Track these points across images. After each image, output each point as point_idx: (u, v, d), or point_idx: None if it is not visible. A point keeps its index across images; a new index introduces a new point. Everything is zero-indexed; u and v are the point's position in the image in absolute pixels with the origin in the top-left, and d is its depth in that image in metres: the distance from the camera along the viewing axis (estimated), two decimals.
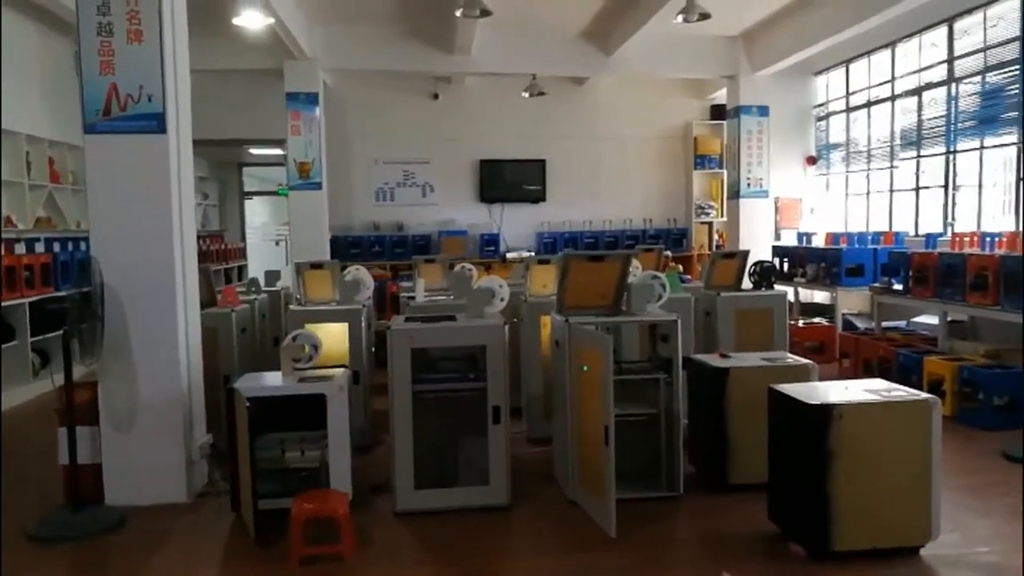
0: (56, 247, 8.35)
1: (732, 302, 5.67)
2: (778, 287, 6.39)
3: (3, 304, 6.90)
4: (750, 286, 6.12)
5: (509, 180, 12.37)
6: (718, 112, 12.50)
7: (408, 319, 4.37)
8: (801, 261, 9.16)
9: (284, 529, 3.58)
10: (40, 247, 8.20)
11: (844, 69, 10.52)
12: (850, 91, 10.48)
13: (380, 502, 4.28)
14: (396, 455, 4.06)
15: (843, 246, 8.78)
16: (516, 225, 12.43)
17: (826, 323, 8.61)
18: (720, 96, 12.20)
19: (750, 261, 6.17)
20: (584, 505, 4.06)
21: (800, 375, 4.23)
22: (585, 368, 4.04)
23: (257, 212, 16.31)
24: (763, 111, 10.79)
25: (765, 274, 5.85)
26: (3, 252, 7.32)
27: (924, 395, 3.54)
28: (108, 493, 4.32)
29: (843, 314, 8.54)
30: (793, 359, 4.47)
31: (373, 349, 5.75)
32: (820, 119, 11.33)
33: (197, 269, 4.73)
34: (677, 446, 4.23)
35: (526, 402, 5.51)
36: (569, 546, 3.71)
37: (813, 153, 11.45)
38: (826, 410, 3.38)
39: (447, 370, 4.25)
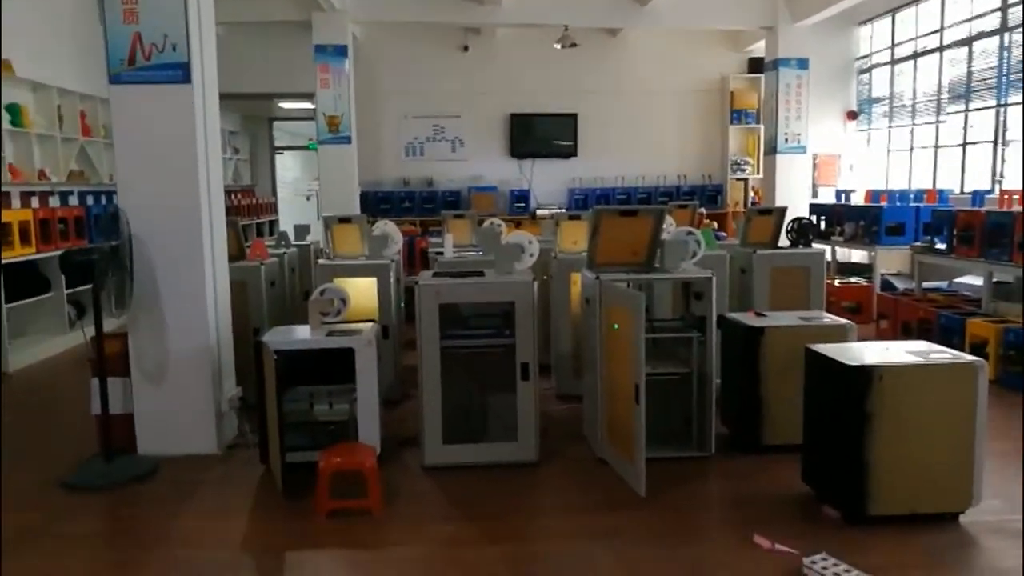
0: (89, 200, 8.41)
1: (768, 260, 5.51)
2: (815, 245, 6.21)
3: (39, 256, 6.99)
4: (787, 244, 5.95)
5: (540, 135, 12.18)
6: (755, 65, 12.14)
7: (436, 274, 4.30)
8: (839, 219, 8.93)
9: (312, 482, 3.58)
10: (74, 200, 8.26)
11: (890, 18, 10.11)
12: (895, 42, 10.06)
13: (408, 456, 4.28)
14: (424, 409, 4.04)
15: (884, 204, 8.52)
16: (547, 181, 12.27)
17: (864, 283, 8.40)
18: (758, 48, 11.84)
19: (787, 218, 5.99)
20: (613, 464, 4.01)
21: (838, 335, 4.10)
22: (615, 326, 3.96)
23: (288, 167, 16.30)
24: (803, 64, 10.44)
25: (803, 231, 5.67)
26: (36, 205, 7.38)
27: (969, 357, 3.41)
28: (140, 443, 4.37)
29: (882, 274, 8.32)
30: (830, 319, 4.34)
31: (403, 304, 5.71)
32: (862, 72, 10.96)
33: (225, 222, 4.70)
34: (709, 406, 4.15)
35: (555, 359, 5.45)
36: (598, 505, 3.67)
37: (854, 107, 11.10)
38: (866, 372, 3.26)
39: (476, 326, 4.19)
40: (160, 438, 4.36)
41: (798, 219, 5.78)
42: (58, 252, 7.04)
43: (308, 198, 16.06)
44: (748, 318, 4.36)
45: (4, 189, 7.29)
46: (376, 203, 11.56)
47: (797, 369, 3.80)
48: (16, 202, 7.39)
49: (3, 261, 6.51)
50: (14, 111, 7.55)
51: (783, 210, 5.79)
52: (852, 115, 11.05)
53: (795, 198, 10.24)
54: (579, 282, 5.22)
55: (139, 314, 4.30)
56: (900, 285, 8.30)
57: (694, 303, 4.36)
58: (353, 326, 4.21)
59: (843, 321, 4.24)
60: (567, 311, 5.29)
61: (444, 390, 4.04)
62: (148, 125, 4.23)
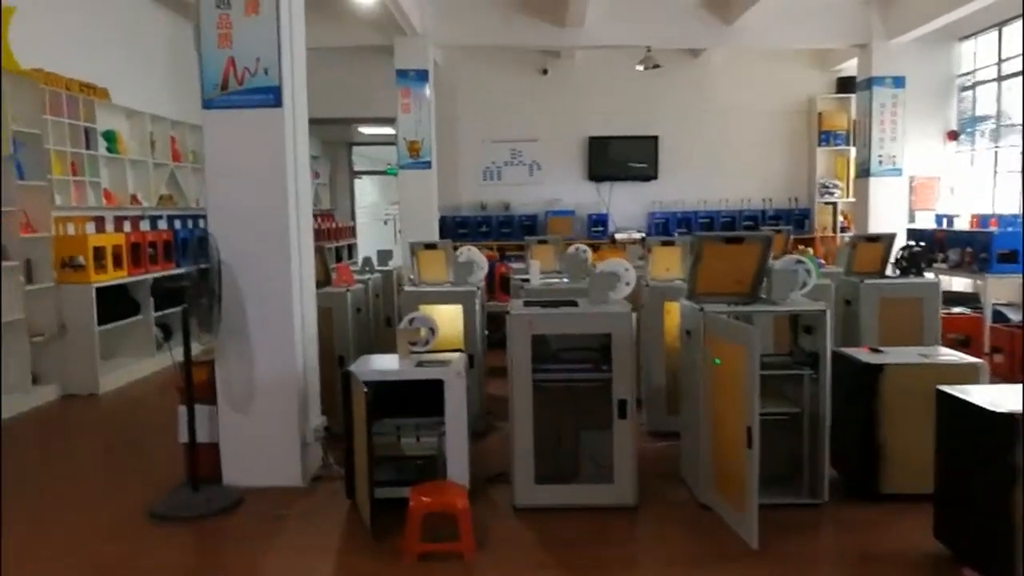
0: (177, 224, 8.57)
1: (877, 290, 5.15)
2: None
3: (130, 280, 7.11)
4: (895, 273, 5.56)
5: (619, 157, 11.96)
6: (844, 85, 11.66)
7: (527, 304, 4.12)
8: (941, 245, 8.39)
9: (400, 519, 3.42)
10: (163, 224, 8.44)
11: (996, 32, 9.55)
12: (1003, 57, 9.50)
13: (497, 494, 4.08)
14: (515, 446, 3.84)
15: (993, 229, 7.97)
16: (625, 204, 12.02)
17: (971, 313, 7.84)
18: (847, 68, 11.38)
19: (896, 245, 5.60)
20: (719, 511, 3.73)
21: (967, 375, 3.74)
22: (717, 361, 3.70)
23: (366, 191, 16.47)
24: (898, 82, 9.95)
25: (914, 260, 5.29)
26: (129, 229, 7.54)
27: None
28: (226, 473, 4.30)
29: (993, 304, 7.76)
30: (956, 355, 3.97)
31: (486, 332, 5.55)
32: (964, 89, 10.38)
33: (313, 246, 4.63)
34: (822, 449, 3.83)
35: (647, 393, 5.19)
36: (704, 557, 3.39)
37: (955, 127, 10.50)
38: (1013, 420, 2.91)
39: (569, 359, 3.99)
40: (245, 468, 4.28)
41: (908, 246, 5.40)
42: (148, 276, 7.22)
43: (386, 222, 16.18)
44: (863, 354, 4.03)
45: (99, 214, 7.48)
46: (454, 227, 11.51)
47: (920, 411, 3.51)
48: (110, 226, 7.58)
49: (97, 285, 6.63)
50: (110, 138, 7.77)
51: (891, 236, 5.42)
52: (953, 135, 10.48)
53: (890, 223, 9.72)
54: (673, 312, 4.98)
55: (226, 340, 4.25)
56: (1013, 316, 7.72)
57: (803, 337, 4.06)
58: (442, 356, 4.06)
59: (973, 359, 3.87)
60: (660, 342, 5.04)
61: (536, 426, 3.84)
62: (239, 149, 4.20)
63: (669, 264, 5.32)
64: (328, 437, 4.53)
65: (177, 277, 3.97)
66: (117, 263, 7.01)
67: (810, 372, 3.87)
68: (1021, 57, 8.39)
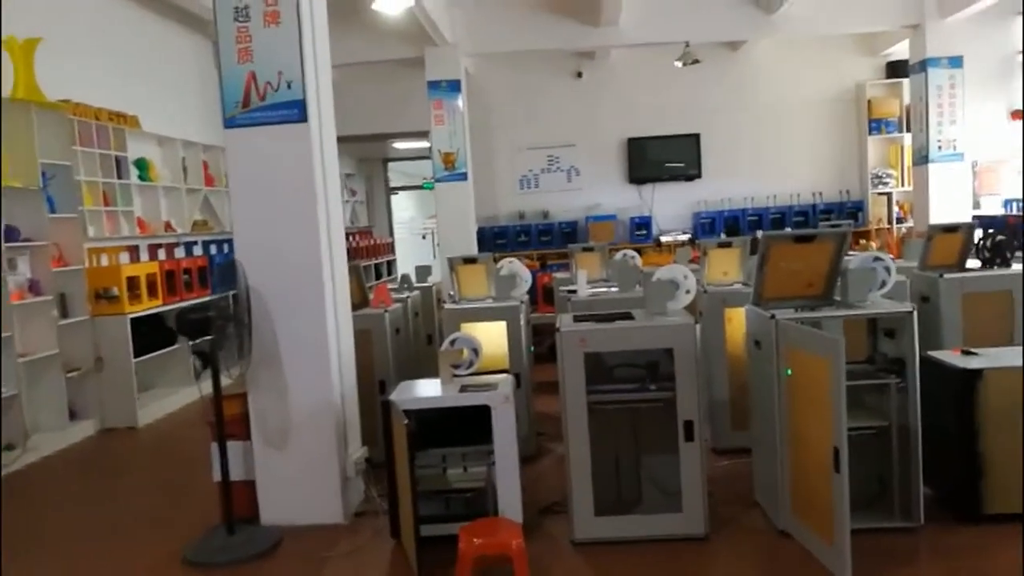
0: (212, 249, 8.44)
1: (958, 285, 4.70)
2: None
3: (165, 308, 6.96)
4: (977, 265, 5.10)
5: (659, 158, 11.57)
6: (894, 69, 11.13)
7: (577, 318, 3.79)
8: (1014, 232, 7.83)
9: (449, 557, 3.11)
10: (198, 250, 8.31)
11: None
12: None
13: (553, 527, 3.75)
14: (572, 476, 3.51)
15: None
16: (669, 205, 11.63)
17: None
18: (896, 51, 10.85)
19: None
20: (801, 539, 3.35)
21: None
22: (788, 372, 3.33)
23: (403, 206, 16.33)
24: (955, 62, 9.42)
25: (999, 249, 4.83)
26: (163, 257, 7.41)
27: None
28: (263, 512, 4.05)
29: None
30: None
31: (532, 349, 5.24)
32: None
33: (347, 267, 4.37)
34: (915, 465, 3.43)
35: (709, 408, 4.81)
36: None
37: (1020, 106, 9.89)
38: None
39: (625, 377, 3.65)
40: (283, 506, 4.02)
41: (992, 235, 4.94)
42: (184, 304, 7.06)
43: (424, 236, 16.01)
44: (956, 357, 3.62)
45: (133, 243, 7.37)
46: (492, 238, 11.25)
47: None
48: (144, 255, 7.46)
49: (132, 315, 6.49)
50: (142, 166, 7.66)
51: (971, 226, 4.96)
52: (1019, 114, 9.86)
53: (954, 211, 9.20)
54: (735, 319, 4.61)
55: (259, 371, 4.01)
56: None
57: (884, 341, 3.66)
58: (487, 379, 3.76)
59: None
60: (722, 352, 4.66)
61: (593, 452, 3.51)
62: (264, 168, 3.96)
63: (727, 267, 4.96)
64: (370, 469, 4.26)
65: (202, 307, 3.73)
66: (152, 292, 6.87)
67: (896, 380, 3.47)
68: None
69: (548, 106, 11.56)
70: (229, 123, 3.93)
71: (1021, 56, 9.86)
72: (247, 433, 4.07)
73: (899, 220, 11.27)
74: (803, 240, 3.59)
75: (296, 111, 3.90)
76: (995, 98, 9.87)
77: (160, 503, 4.70)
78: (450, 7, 9.24)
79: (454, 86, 9.56)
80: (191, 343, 3.71)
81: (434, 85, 9.55)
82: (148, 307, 6.75)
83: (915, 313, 3.38)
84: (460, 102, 9.58)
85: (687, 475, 3.45)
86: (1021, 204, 8.91)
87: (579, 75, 11.50)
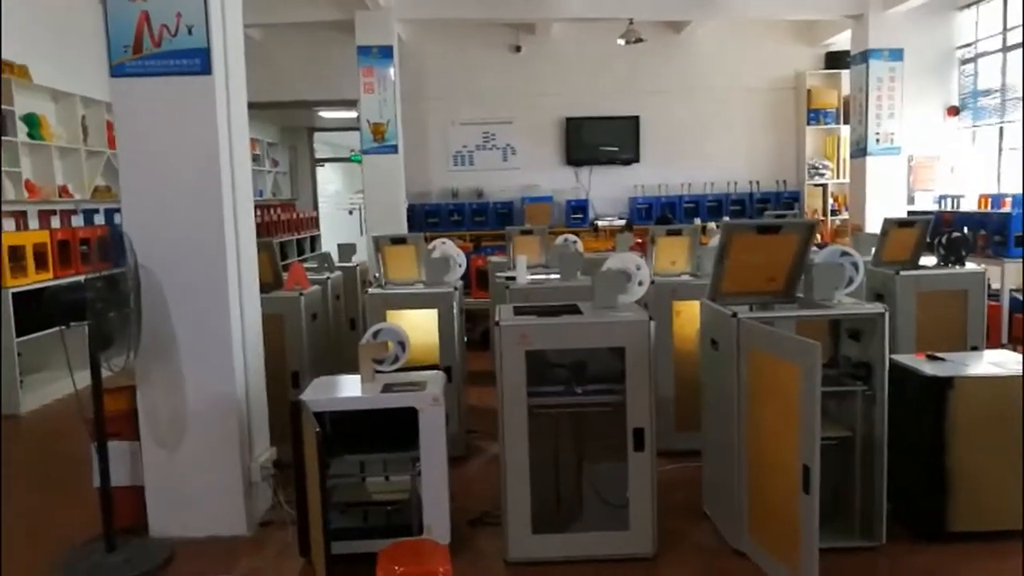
0: (117, 218, 7.70)
1: (914, 283, 4.49)
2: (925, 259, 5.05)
3: (58, 282, 6.25)
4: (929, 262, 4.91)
5: (598, 140, 11.22)
6: (833, 60, 11.05)
7: (518, 310, 3.38)
8: (949, 228, 7.81)
9: None
10: (100, 219, 7.57)
11: (1000, 0, 8.95)
12: (1008, 27, 8.90)
13: (484, 543, 3.36)
14: (508, 489, 3.12)
15: (1006, 210, 7.41)
16: (606, 189, 11.30)
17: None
18: (836, 42, 10.76)
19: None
20: (759, 562, 3.05)
21: None
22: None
23: (330, 180, 15.59)
24: (896, 55, 9.33)
25: (954, 247, 4.64)
26: (57, 224, 6.67)
27: None
28: (152, 522, 3.53)
29: (1011, 291, 7.19)
30: None
31: (465, 339, 4.82)
32: (965, 62, 9.79)
33: (256, 244, 3.85)
34: (879, 479, 3.16)
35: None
36: None
37: (955, 102, 9.92)
38: None
39: (568, 378, 3.28)
40: (176, 516, 3.51)
41: (948, 231, 4.75)
42: (79, 277, 6.35)
43: (351, 212, 15.33)
44: (921, 363, 3.37)
45: (22, 208, 6.60)
46: (423, 217, 10.74)
47: (998, 432, 2.87)
48: (34, 222, 6.70)
49: (15, 290, 5.78)
50: (32, 122, 6.86)
51: (927, 222, 4.76)
52: (953, 111, 9.89)
53: (889, 205, 9.16)
54: (684, 312, 4.30)
55: (149, 362, 3.47)
56: None
57: (847, 344, 3.38)
58: (414, 376, 3.33)
59: None
60: (668, 348, 4.34)
61: (531, 462, 3.12)
62: (159, 126, 3.40)
63: (675, 257, 4.63)
64: (280, 472, 3.78)
65: (76, 286, 3.18)
66: (41, 264, 6.15)
67: (863, 387, 3.19)
68: None
69: (485, 80, 11.06)
70: (116, 71, 3.36)
71: (958, 52, 9.86)
72: (135, 432, 3.54)
73: (834, 212, 11.25)
74: (767, 231, 3.26)
75: (198, 61, 3.35)
76: (931, 93, 9.87)
77: (38, 506, 4.11)
78: None
79: (386, 52, 8.97)
80: (63, 328, 3.15)
81: (364, 51, 8.94)
82: (36, 280, 6.03)
83: (887, 315, 3.10)
84: (392, 71, 9.01)
85: (636, 488, 3.10)
86: (954, 201, 8.91)
87: (518, 49, 11.02)
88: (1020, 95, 8.74)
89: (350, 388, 3.26)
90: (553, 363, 3.30)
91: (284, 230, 11.38)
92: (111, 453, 3.35)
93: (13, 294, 5.75)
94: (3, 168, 6.33)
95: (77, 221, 7.21)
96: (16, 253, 5.87)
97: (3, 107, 6.32)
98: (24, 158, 6.70)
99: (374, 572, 2.66)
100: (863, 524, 3.22)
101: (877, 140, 9.46)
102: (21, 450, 5.16)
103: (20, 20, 6.84)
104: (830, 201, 11.33)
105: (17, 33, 6.74)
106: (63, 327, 3.18)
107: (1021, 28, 7.87)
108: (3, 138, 6.32)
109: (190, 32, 3.34)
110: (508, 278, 4.75)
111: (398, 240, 4.80)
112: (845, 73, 10.39)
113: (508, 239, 6.11)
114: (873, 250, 4.77)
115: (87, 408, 3.33)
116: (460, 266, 4.78)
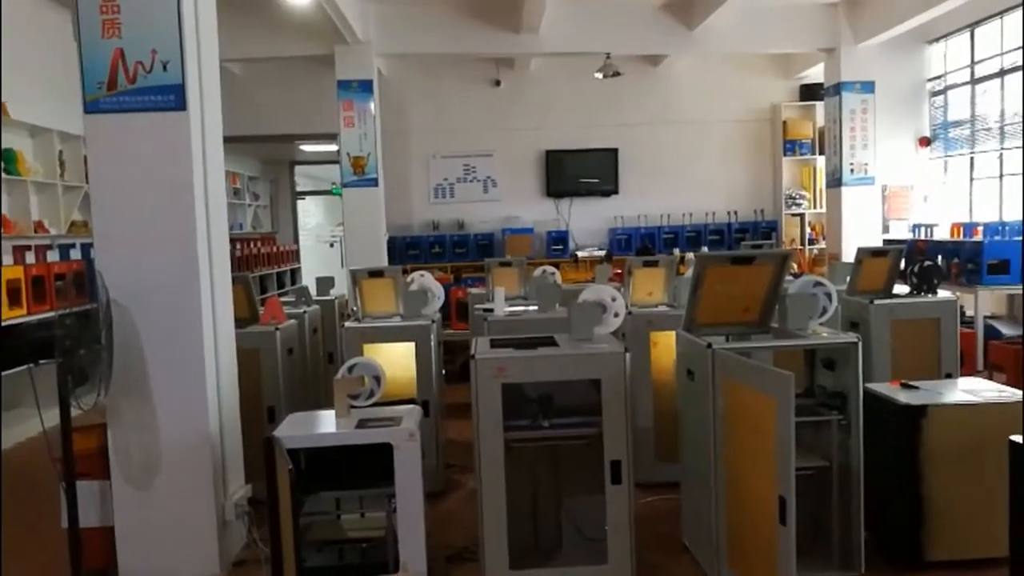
0: (93, 253, 7.63)
1: (888, 311, 4.54)
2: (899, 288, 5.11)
3: (31, 319, 6.17)
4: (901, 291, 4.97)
5: (578, 172, 11.34)
6: (808, 92, 11.27)
7: (495, 343, 3.38)
8: (923, 256, 7.91)
9: None
10: (76, 254, 7.50)
11: (968, 34, 9.17)
12: (975, 60, 9.12)
13: None
14: (485, 523, 3.09)
15: (978, 238, 7.52)
16: (586, 220, 11.40)
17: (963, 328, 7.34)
18: (811, 74, 11.00)
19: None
20: None
21: None
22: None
23: (310, 213, 15.60)
24: (868, 87, 9.54)
25: (926, 275, 4.70)
26: (33, 260, 6.61)
27: None
28: (122, 564, 3.46)
29: (984, 318, 7.28)
30: (1010, 392, 3.35)
31: (444, 372, 4.80)
32: (936, 94, 10.00)
33: (231, 279, 3.83)
34: (856, 509, 3.16)
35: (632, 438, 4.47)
36: None
37: (927, 133, 10.12)
38: None
39: (544, 411, 3.26)
40: (147, 557, 3.45)
41: (921, 261, 4.81)
42: (53, 313, 6.28)
43: (332, 245, 15.31)
44: (895, 391, 3.40)
45: None
46: (404, 249, 10.76)
47: (973, 461, 2.89)
48: (8, 258, 6.63)
49: None
50: (9, 157, 6.82)
51: (899, 251, 4.82)
52: (925, 141, 10.07)
53: (865, 234, 9.30)
54: (661, 343, 4.31)
55: (120, 399, 3.43)
56: (1006, 330, 7.24)
57: (822, 374, 3.40)
58: (389, 412, 3.30)
59: None
60: (647, 379, 4.34)
61: (509, 495, 3.10)
62: (133, 162, 3.40)
63: (652, 288, 4.65)
64: (254, 511, 3.72)
65: (46, 324, 3.14)
66: (15, 300, 6.07)
67: (839, 417, 3.20)
68: (1022, 50, 7.96)
69: (465, 114, 11.17)
70: (90, 107, 3.36)
71: (928, 84, 10.08)
72: (105, 471, 3.47)
73: (811, 241, 11.38)
74: (741, 261, 3.29)
75: (172, 97, 3.36)
76: (903, 125, 10.05)
77: (4, 548, 4.01)
78: (363, 3, 8.73)
79: (366, 87, 9.03)
80: (32, 366, 3.10)
81: (344, 85, 9.00)
82: (9, 317, 5.94)
83: (860, 344, 3.13)
84: (372, 104, 9.06)
85: (614, 521, 3.08)
86: (928, 229, 9.03)
87: (497, 83, 11.15)
88: (988, 126, 8.92)
89: (325, 424, 3.22)
90: (529, 396, 3.29)
91: (264, 263, 11.32)
92: (80, 492, 3.29)
93: None
94: None
95: (53, 256, 7.15)
96: None
97: None
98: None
99: None
100: (842, 554, 3.21)
101: (851, 170, 9.61)
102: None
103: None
104: (808, 230, 11.47)
105: None
106: (31, 364, 3.10)
107: (1021, 52, 8.01)
108: None
109: (165, 68, 3.35)
110: (486, 310, 4.74)
111: (375, 273, 4.79)
112: (820, 104, 10.59)
113: (487, 271, 6.12)
114: (848, 279, 4.82)
115: (56, 447, 3.27)
116: (438, 299, 4.78)
